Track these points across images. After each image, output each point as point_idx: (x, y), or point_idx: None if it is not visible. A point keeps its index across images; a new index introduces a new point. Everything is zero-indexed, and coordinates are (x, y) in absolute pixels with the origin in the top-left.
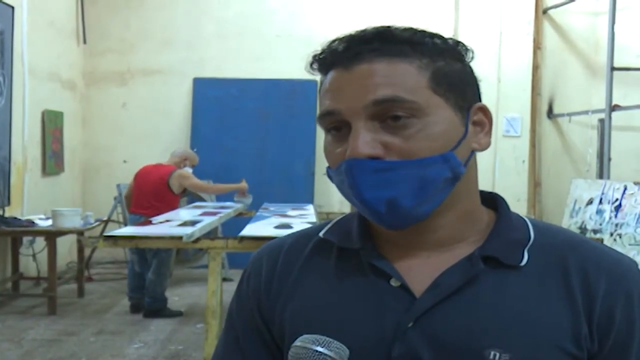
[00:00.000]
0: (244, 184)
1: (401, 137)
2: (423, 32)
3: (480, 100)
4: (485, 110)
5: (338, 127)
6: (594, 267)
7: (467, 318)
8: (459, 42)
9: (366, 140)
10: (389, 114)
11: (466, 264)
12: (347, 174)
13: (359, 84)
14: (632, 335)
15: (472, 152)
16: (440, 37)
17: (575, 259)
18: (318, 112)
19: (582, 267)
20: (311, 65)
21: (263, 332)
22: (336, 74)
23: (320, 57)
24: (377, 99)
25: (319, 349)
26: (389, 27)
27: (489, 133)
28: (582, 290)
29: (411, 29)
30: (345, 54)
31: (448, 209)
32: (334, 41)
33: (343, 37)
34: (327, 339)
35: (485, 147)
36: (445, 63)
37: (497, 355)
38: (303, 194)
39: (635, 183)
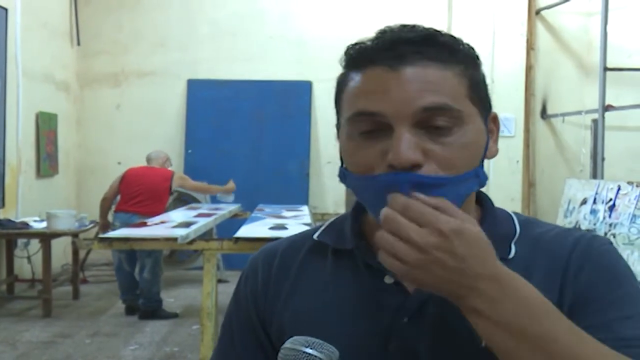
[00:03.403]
0: (231, 185)
1: (440, 144)
2: (453, 36)
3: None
4: (496, 119)
5: (372, 130)
6: (570, 249)
7: (459, 310)
8: (471, 47)
9: (410, 146)
10: (434, 122)
11: None
12: (390, 187)
13: (406, 87)
14: (594, 290)
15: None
16: (462, 42)
17: (559, 247)
18: (350, 110)
19: (563, 253)
20: (349, 59)
21: (259, 334)
22: (379, 73)
23: (360, 52)
24: (427, 106)
25: (309, 350)
26: (432, 30)
27: (497, 141)
28: (562, 273)
29: (447, 33)
30: (390, 54)
31: None
32: (377, 39)
33: (385, 35)
34: (317, 340)
35: (494, 154)
36: (475, 71)
37: None
38: (298, 195)
39: (629, 183)
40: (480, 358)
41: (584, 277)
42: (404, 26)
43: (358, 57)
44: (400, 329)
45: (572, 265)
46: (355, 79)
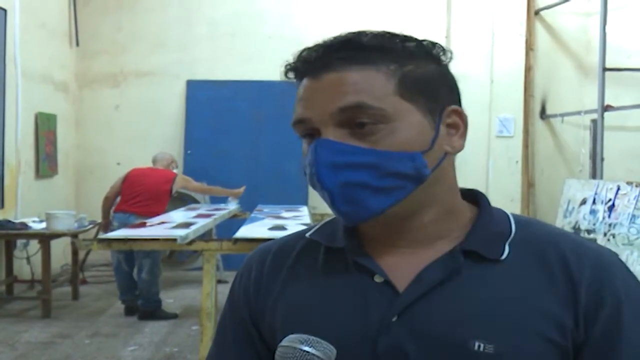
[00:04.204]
0: (240, 191)
1: (367, 142)
2: (395, 36)
3: (459, 102)
4: (459, 113)
5: (311, 134)
6: (576, 259)
7: (450, 311)
8: (436, 43)
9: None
10: (356, 120)
11: (448, 259)
12: (312, 151)
13: (327, 92)
14: (620, 321)
15: (445, 155)
16: (414, 40)
17: (557, 251)
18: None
19: (564, 258)
20: (286, 74)
21: (252, 332)
22: (307, 83)
23: (293, 66)
24: (343, 105)
25: (306, 348)
26: (358, 33)
27: (463, 135)
28: (565, 281)
29: (382, 34)
30: (315, 64)
31: (428, 208)
32: (304, 50)
33: (313, 46)
34: (315, 338)
35: (458, 149)
36: (415, 66)
37: (482, 345)
38: (297, 196)
39: (628, 183)
40: (469, 359)
41: (607, 313)
42: (349, 33)
43: (294, 71)
44: (389, 328)
45: (586, 291)
46: (298, 90)
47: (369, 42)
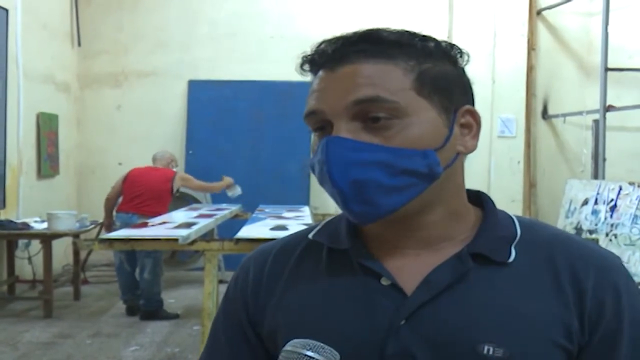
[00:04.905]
0: (228, 180)
1: (381, 137)
2: (414, 34)
3: (472, 103)
4: (473, 113)
5: (323, 126)
6: (581, 263)
7: (459, 314)
8: (454, 45)
9: (346, 134)
10: (370, 114)
11: (456, 262)
12: (323, 149)
13: (342, 84)
14: (620, 327)
15: (457, 155)
16: (433, 39)
17: (563, 255)
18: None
19: (570, 262)
20: (301, 66)
21: (249, 335)
22: (322, 75)
23: (309, 58)
24: (358, 98)
25: (309, 353)
26: (378, 29)
27: (476, 136)
28: (571, 285)
29: (401, 31)
30: (332, 56)
31: (435, 207)
32: (322, 42)
33: (332, 39)
34: (318, 343)
35: (471, 150)
36: (433, 65)
37: (491, 349)
38: (298, 196)
39: (630, 183)
40: None
41: (609, 319)
42: (369, 28)
43: (310, 64)
44: (397, 331)
45: (592, 296)
46: (312, 83)
47: (388, 37)
